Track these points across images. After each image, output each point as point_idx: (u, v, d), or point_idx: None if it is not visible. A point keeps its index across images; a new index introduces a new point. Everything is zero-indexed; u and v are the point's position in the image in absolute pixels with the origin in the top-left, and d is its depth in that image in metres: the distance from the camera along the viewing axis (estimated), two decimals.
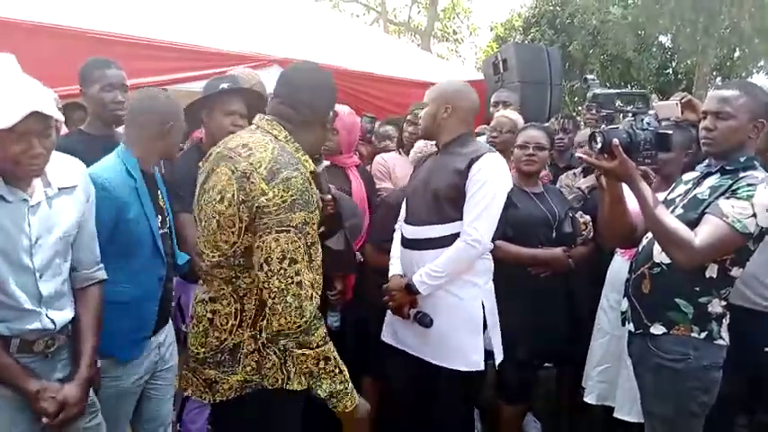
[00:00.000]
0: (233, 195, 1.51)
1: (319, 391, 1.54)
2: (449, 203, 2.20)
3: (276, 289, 1.47)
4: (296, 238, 1.48)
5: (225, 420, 1.70)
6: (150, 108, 1.94)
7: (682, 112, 2.37)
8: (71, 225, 1.61)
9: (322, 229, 1.98)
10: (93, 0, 3.95)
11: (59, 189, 1.58)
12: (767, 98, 1.88)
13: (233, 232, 1.53)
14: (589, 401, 2.61)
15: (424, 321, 2.21)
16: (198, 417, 2.46)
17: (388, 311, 2.38)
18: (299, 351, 1.51)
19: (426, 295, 2.21)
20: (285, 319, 1.47)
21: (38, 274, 1.52)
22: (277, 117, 1.65)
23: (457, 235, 2.18)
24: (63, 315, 1.60)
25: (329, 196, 1.96)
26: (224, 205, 1.52)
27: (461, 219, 2.18)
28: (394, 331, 2.40)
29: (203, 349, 1.62)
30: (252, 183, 1.48)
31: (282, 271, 1.47)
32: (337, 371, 1.55)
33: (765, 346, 2.22)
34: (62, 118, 1.53)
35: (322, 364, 1.52)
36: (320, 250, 1.64)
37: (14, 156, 1.42)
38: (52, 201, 1.57)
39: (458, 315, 2.23)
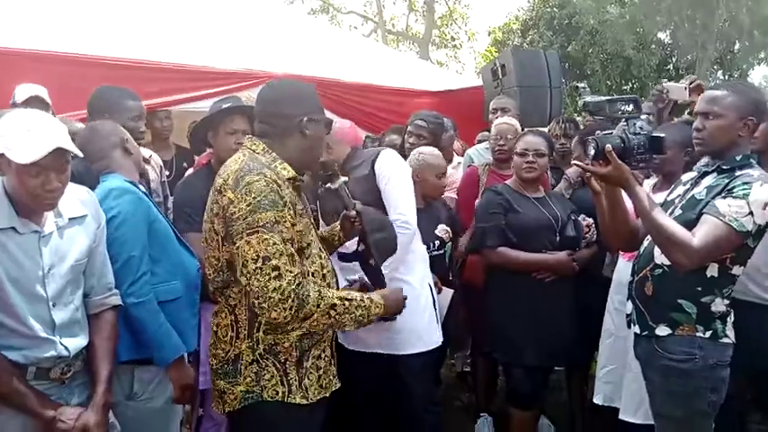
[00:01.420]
0: (211, 210, 1.64)
1: (349, 328, 1.69)
2: (377, 207, 2.28)
3: (257, 288, 1.51)
4: (267, 236, 1.52)
5: (234, 430, 1.79)
6: (108, 132, 2.01)
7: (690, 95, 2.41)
8: (82, 253, 1.64)
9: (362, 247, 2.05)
10: (96, 26, 4.03)
11: (70, 219, 1.62)
12: (758, 96, 1.90)
13: (214, 246, 1.64)
14: (596, 402, 2.62)
15: (366, 287, 2.22)
16: None
17: None
18: (307, 324, 1.57)
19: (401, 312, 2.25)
20: (275, 312, 1.51)
21: (51, 303, 1.56)
22: (258, 134, 1.75)
23: None
24: (77, 342, 1.63)
25: (353, 212, 1.97)
26: (208, 223, 1.66)
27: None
28: (356, 336, 2.40)
29: (215, 361, 1.71)
30: (223, 195, 1.59)
31: (259, 270, 1.51)
32: (347, 304, 1.62)
33: None
34: (80, 153, 1.59)
35: (333, 313, 1.59)
36: (314, 253, 1.72)
37: (33, 189, 1.48)
38: (63, 231, 1.61)
39: (412, 298, 2.23)
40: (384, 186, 2.34)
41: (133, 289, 1.80)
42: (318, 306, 1.56)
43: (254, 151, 1.68)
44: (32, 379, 1.54)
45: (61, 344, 1.58)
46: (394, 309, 1.79)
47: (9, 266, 1.49)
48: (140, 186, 2.04)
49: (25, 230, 1.53)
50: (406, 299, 1.85)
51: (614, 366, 2.52)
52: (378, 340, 2.38)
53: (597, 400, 2.61)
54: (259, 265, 1.51)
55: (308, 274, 1.67)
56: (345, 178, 2.20)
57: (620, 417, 2.37)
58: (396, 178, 2.36)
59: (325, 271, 1.75)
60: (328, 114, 1.92)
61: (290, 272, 1.53)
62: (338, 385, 1.80)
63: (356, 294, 1.68)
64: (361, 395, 2.48)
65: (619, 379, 2.46)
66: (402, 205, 2.32)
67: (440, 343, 2.45)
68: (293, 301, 1.52)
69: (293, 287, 1.52)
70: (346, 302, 1.62)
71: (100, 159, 1.98)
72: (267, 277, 1.50)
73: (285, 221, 1.57)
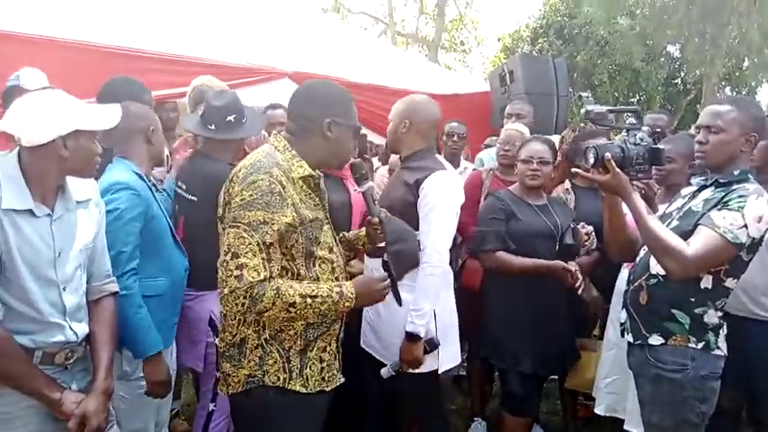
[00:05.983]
0: (223, 199, 1.69)
1: (313, 320, 1.68)
2: (401, 217, 2.21)
3: (220, 279, 1.59)
4: (244, 235, 1.56)
5: (235, 413, 1.82)
6: (137, 116, 2.07)
7: None
8: (89, 237, 1.67)
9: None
10: (105, 14, 4.06)
11: (77, 202, 1.65)
12: (760, 113, 1.92)
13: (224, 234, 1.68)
14: (599, 412, 2.63)
15: (433, 344, 2.22)
16: (223, 429, 2.46)
17: (363, 318, 2.42)
18: (265, 317, 1.61)
19: (380, 302, 2.18)
20: (225, 304, 1.59)
21: (61, 287, 1.57)
22: (286, 130, 1.79)
23: None
24: (83, 327, 1.65)
25: (376, 219, 1.90)
26: (219, 212, 1.72)
27: (415, 229, 2.20)
28: (365, 336, 2.43)
29: (222, 344, 1.75)
30: (232, 186, 1.65)
31: (225, 263, 1.57)
32: (309, 301, 1.60)
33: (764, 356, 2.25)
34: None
35: (292, 310, 1.59)
36: (320, 257, 1.74)
37: (93, 155, 1.60)
38: (72, 214, 1.63)
39: (398, 312, 2.17)
40: (424, 214, 2.18)
41: (119, 282, 1.83)
42: (274, 303, 1.57)
43: (275, 147, 1.72)
44: (38, 363, 1.55)
45: (71, 329, 1.59)
46: (368, 300, 1.77)
47: (24, 250, 1.49)
48: (148, 179, 2.06)
49: (41, 213, 1.54)
50: (386, 291, 1.79)
51: (617, 377, 2.52)
52: (368, 340, 2.37)
53: (599, 410, 2.61)
54: (228, 258, 1.56)
55: (316, 278, 1.70)
56: (372, 183, 2.16)
57: (626, 427, 2.38)
58: (438, 210, 2.17)
59: (336, 273, 1.78)
60: None
61: (252, 274, 1.55)
62: (341, 380, 1.81)
63: (323, 289, 1.64)
64: (367, 391, 2.49)
65: (623, 389, 2.46)
66: (440, 242, 2.16)
67: (434, 367, 2.26)
68: (244, 299, 1.55)
69: (245, 289, 1.54)
70: (309, 299, 1.61)
71: (122, 141, 2.02)
72: (229, 273, 1.55)
73: (275, 224, 1.58)
